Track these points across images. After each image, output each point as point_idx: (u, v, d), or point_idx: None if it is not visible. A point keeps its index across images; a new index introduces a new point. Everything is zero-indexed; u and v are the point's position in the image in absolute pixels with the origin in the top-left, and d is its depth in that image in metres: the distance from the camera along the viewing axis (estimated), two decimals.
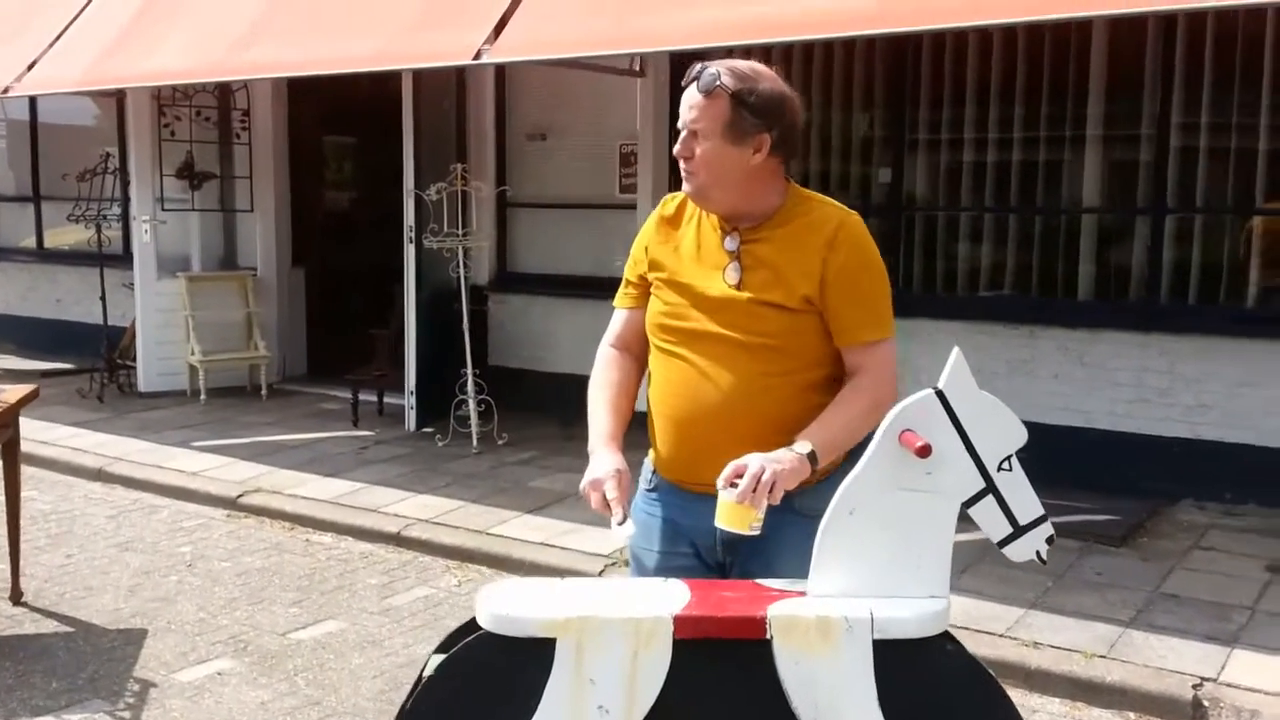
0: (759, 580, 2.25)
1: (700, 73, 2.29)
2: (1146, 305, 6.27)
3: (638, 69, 7.26)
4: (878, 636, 2.08)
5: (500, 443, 7.21)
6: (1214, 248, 6.29)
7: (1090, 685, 4.05)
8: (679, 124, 2.35)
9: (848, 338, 2.33)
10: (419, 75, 7.27)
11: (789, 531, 2.21)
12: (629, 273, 2.51)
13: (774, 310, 2.30)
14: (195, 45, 7.38)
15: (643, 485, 2.48)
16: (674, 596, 2.15)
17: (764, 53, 7.18)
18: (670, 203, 2.48)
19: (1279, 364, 5.84)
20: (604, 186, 7.83)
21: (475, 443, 7.17)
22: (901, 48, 6.85)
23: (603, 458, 2.32)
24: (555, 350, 7.80)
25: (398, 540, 5.71)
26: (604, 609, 2.10)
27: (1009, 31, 6.58)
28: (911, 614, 2.11)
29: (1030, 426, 2.12)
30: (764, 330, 2.30)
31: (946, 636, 2.15)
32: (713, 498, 2.26)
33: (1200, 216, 6.31)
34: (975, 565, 4.90)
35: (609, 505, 2.26)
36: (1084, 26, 6.38)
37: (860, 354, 2.34)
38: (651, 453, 2.47)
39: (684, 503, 2.39)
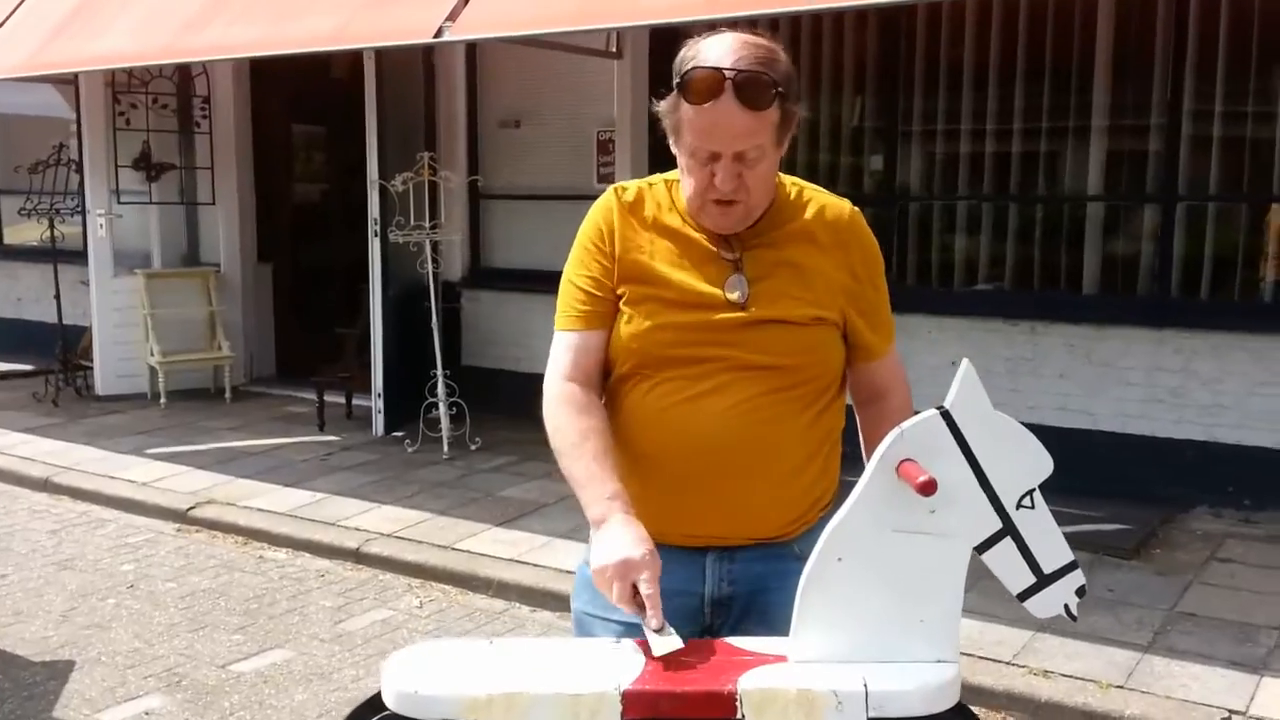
0: (729, 640, 1.85)
1: (739, 79, 1.76)
2: (1158, 299, 5.88)
3: (614, 50, 6.85)
4: (874, 714, 1.68)
5: (473, 448, 6.81)
6: (1230, 238, 5.92)
7: None
8: (710, 146, 1.81)
9: (876, 352, 2.02)
10: (383, 57, 6.87)
11: (791, 581, 1.77)
12: (585, 283, 1.95)
13: (788, 328, 1.90)
14: (146, 26, 6.99)
15: None
16: (624, 665, 1.75)
17: (749, 28, 6.78)
18: (626, 192, 2.00)
19: None
20: (581, 176, 7.42)
21: (446, 448, 6.78)
22: (895, 28, 6.45)
23: (622, 531, 1.76)
24: (532, 350, 7.39)
25: (357, 557, 5.31)
26: (536, 683, 1.70)
27: (1009, 12, 6.21)
28: (915, 685, 1.72)
29: (1033, 429, 1.73)
30: (775, 350, 1.89)
31: (959, 711, 1.75)
32: (704, 551, 1.89)
33: (1214, 205, 5.93)
34: (979, 582, 4.50)
35: (637, 600, 1.72)
36: (1089, 5, 5.99)
37: (884, 369, 2.04)
38: None
39: (664, 561, 1.95)
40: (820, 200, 2.00)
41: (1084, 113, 6.10)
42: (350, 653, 4.34)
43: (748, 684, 1.69)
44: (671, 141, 1.91)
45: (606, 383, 1.99)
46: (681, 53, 1.87)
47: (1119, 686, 3.83)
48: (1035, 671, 3.94)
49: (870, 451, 2.08)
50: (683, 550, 1.94)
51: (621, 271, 1.94)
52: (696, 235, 1.94)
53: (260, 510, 5.86)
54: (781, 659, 1.77)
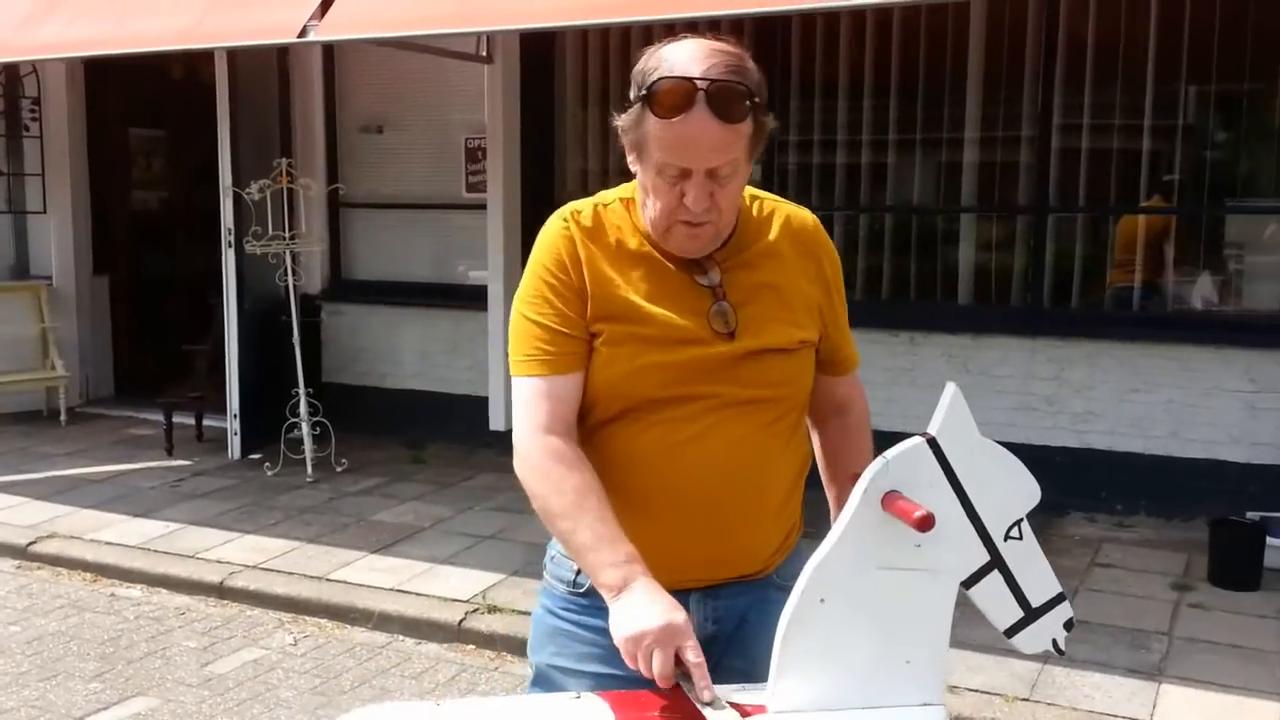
0: None
1: (712, 89, 1.61)
2: (1032, 309, 6.00)
3: (485, 54, 6.63)
4: None
5: (339, 469, 6.47)
6: (1098, 248, 6.09)
7: None
8: (682, 163, 1.65)
9: (852, 364, 1.95)
10: (235, 57, 6.49)
11: (770, 611, 1.64)
12: (552, 321, 1.74)
13: (777, 356, 1.77)
14: None
15: (562, 588, 1.86)
16: None
17: (622, 34, 6.67)
18: (582, 215, 1.79)
19: (1166, 368, 5.64)
20: (449, 185, 7.16)
21: (310, 470, 6.42)
22: (770, 39, 6.41)
23: (654, 596, 1.59)
24: (398, 365, 7.10)
25: (220, 591, 4.95)
26: None
27: (883, 26, 6.25)
28: None
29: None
30: (764, 383, 1.77)
31: None
32: (687, 592, 1.75)
33: (1083, 216, 6.08)
34: None
35: (675, 670, 1.56)
36: (961, 22, 6.07)
37: (850, 382, 1.97)
38: None
39: None
40: (783, 211, 1.88)
41: (957, 126, 6.18)
42: (222, 698, 4.02)
43: None
44: (632, 159, 1.73)
45: (582, 425, 1.80)
46: (642, 62, 1.69)
47: (1024, 699, 3.83)
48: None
49: (833, 467, 1.98)
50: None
51: (596, 309, 1.74)
52: (666, 260, 1.78)
53: (109, 544, 5.43)
54: (761, 709, 1.64)
